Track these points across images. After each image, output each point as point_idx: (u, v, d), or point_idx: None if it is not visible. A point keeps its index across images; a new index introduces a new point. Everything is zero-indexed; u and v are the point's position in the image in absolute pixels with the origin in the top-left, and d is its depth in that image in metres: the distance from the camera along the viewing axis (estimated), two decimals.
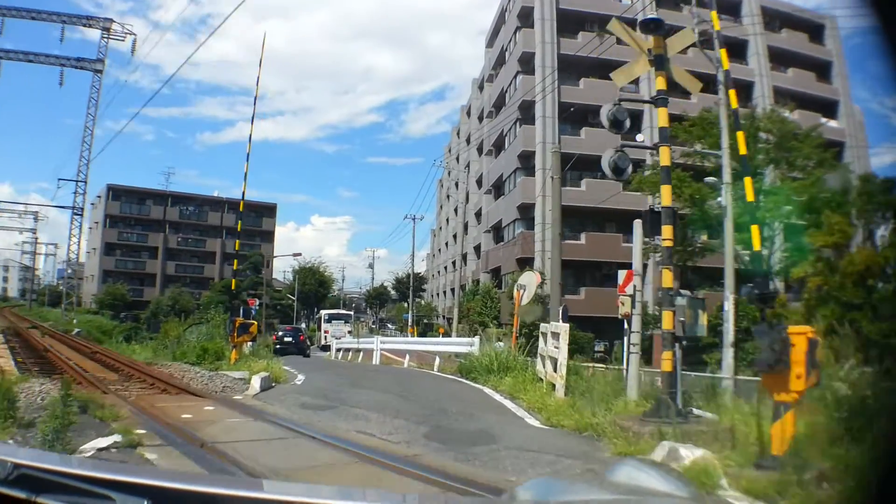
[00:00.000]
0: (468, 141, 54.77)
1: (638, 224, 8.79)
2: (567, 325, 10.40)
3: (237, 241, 29.69)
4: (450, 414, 8.48)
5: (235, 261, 28.18)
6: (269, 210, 76.35)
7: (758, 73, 37.47)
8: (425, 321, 56.65)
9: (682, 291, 7.55)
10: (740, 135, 12.47)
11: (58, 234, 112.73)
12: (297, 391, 10.94)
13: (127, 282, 65.96)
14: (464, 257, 46.78)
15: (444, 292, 63.22)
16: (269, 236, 74.69)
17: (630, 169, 8.00)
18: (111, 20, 48.37)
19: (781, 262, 22.63)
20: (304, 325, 56.50)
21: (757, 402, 5.82)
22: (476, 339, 16.30)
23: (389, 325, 73.28)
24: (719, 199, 18.29)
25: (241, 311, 24.64)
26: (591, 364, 13.80)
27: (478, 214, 51.02)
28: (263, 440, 6.65)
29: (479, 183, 50.47)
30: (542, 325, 12.35)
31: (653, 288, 26.70)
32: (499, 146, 44.66)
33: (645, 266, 17.77)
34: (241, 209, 17.54)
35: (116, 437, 5.75)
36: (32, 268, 78.47)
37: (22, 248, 76.36)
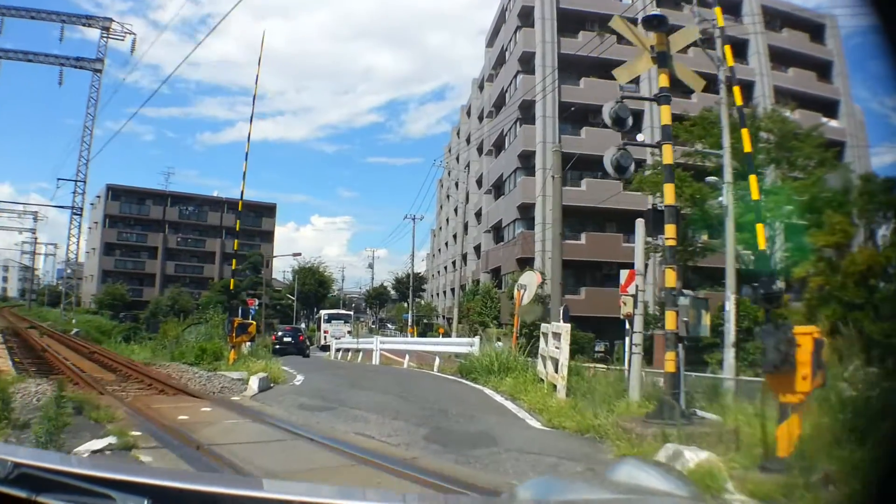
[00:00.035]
0: (468, 141, 54.69)
1: (640, 223, 8.70)
2: (568, 325, 10.32)
3: (236, 240, 29.64)
4: (450, 415, 8.40)
5: (234, 260, 28.01)
6: (268, 210, 76.29)
7: (758, 72, 37.41)
8: (425, 321, 56.58)
9: (686, 291, 7.46)
10: (745, 132, 12.37)
11: (57, 234, 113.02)
12: (295, 392, 10.86)
13: (126, 282, 65.88)
14: (464, 257, 46.71)
15: (444, 292, 63.15)
16: (268, 236, 74.64)
17: (632, 167, 7.91)
18: (111, 19, 48.27)
19: (783, 261, 22.55)
20: (303, 325, 56.45)
21: (761, 404, 5.76)
22: (476, 340, 16.21)
23: (389, 325, 73.23)
24: (720, 198, 18.23)
25: (240, 311, 24.55)
26: (591, 364, 13.71)
27: (478, 214, 50.95)
28: (260, 442, 6.57)
29: (479, 183, 50.40)
30: (542, 325, 12.27)
31: (653, 288, 26.62)
32: (499, 146, 44.59)
33: (645, 266, 17.70)
34: (239, 209, 17.49)
35: (111, 439, 5.67)
36: (32, 268, 78.47)
37: (21, 248, 76.47)
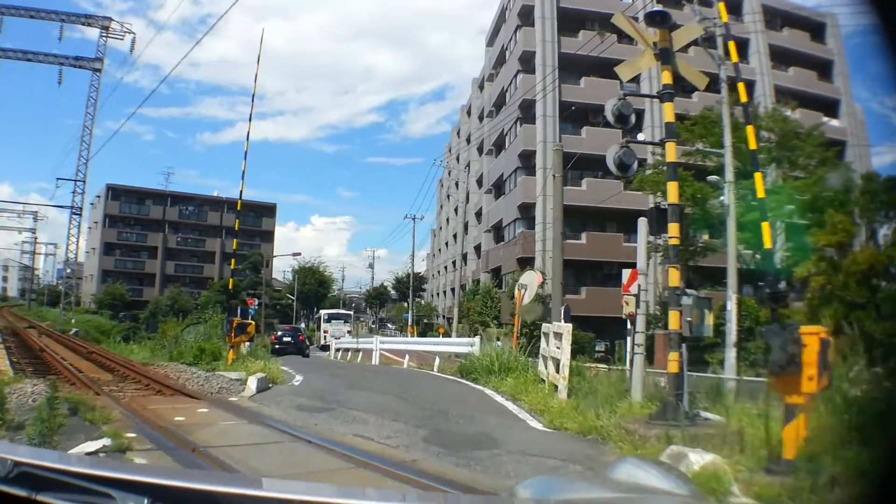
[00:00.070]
0: (468, 140, 54.61)
1: (643, 222, 8.62)
2: (569, 325, 10.23)
3: (235, 240, 29.55)
4: (450, 416, 8.31)
5: (233, 260, 27.90)
6: (268, 210, 76.21)
7: (759, 71, 37.33)
8: (425, 321, 56.50)
9: (689, 291, 7.37)
10: (750, 129, 12.28)
11: (57, 234, 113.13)
12: (294, 392, 10.77)
13: (126, 281, 65.81)
14: (464, 257, 46.63)
15: (444, 292, 63.06)
16: (268, 236, 74.55)
17: (635, 165, 7.82)
18: (110, 19, 48.17)
19: (784, 261, 22.49)
20: (303, 325, 56.38)
21: (765, 404, 5.67)
22: (476, 340, 16.13)
23: (389, 325, 73.17)
24: (722, 197, 18.16)
25: (240, 310, 24.46)
26: (592, 364, 13.62)
27: (478, 214, 50.87)
28: (257, 444, 6.47)
29: (480, 182, 50.32)
30: (543, 325, 12.18)
31: (654, 288, 26.54)
32: (499, 145, 44.51)
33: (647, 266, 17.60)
34: (238, 208, 17.40)
35: (106, 441, 5.58)
36: (32, 268, 78.43)
37: (21, 248, 76.40)
